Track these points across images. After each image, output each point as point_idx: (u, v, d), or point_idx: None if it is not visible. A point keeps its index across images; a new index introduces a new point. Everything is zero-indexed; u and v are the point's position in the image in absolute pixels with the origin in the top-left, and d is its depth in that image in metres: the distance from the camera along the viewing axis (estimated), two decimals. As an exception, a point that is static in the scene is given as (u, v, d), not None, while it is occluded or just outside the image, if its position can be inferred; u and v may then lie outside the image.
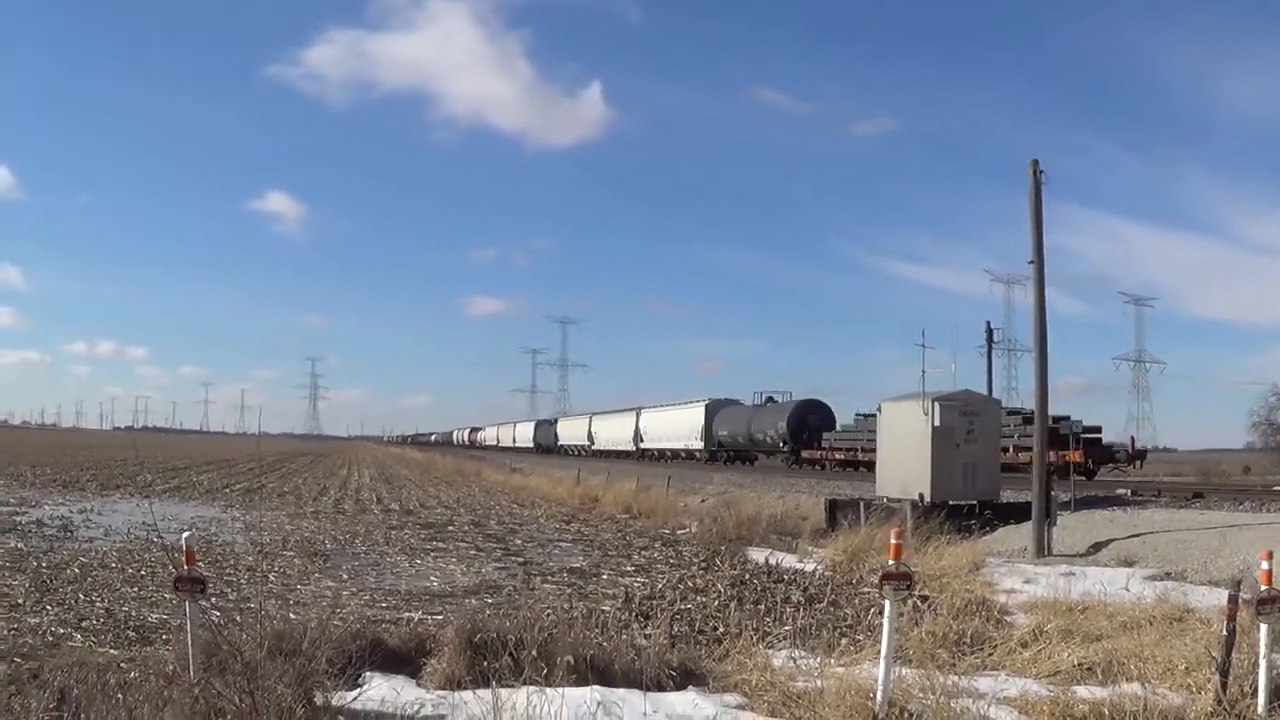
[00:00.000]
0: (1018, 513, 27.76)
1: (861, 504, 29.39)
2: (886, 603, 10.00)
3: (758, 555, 23.38)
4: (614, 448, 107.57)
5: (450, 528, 31.44)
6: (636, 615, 15.84)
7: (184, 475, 58.56)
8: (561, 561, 23.87)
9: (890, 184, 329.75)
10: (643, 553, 25.51)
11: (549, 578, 20.98)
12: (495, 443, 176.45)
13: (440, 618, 15.02)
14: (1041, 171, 25.31)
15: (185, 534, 10.47)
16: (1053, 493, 25.56)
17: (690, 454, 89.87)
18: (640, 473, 54.04)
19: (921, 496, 28.56)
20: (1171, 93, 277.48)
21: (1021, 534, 25.53)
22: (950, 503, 28.10)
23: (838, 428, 70.70)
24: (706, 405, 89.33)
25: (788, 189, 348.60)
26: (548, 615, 13.40)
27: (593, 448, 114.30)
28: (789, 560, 22.50)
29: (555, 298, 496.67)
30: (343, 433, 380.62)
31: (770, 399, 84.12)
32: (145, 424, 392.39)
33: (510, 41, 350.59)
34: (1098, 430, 50.98)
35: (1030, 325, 26.33)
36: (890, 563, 10.10)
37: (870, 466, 53.65)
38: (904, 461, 30.16)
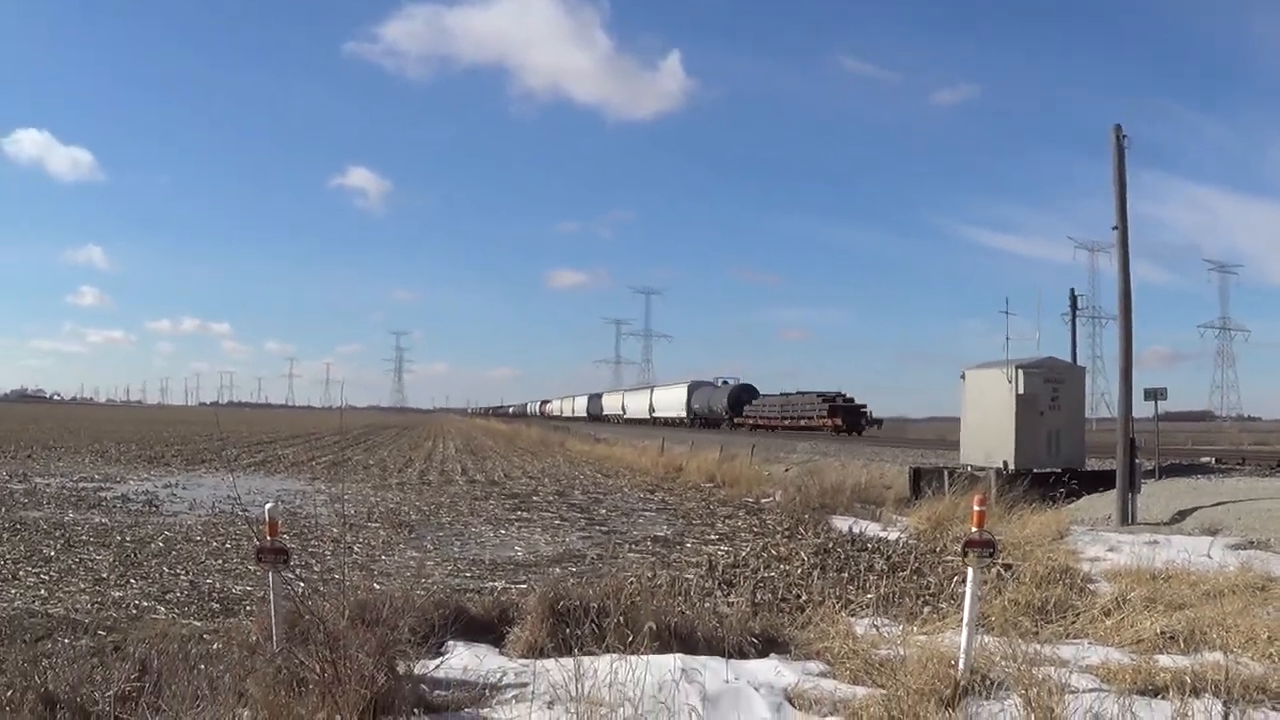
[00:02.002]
0: (1102, 481, 27.41)
1: (945, 472, 29.17)
2: (970, 570, 9.94)
3: (841, 524, 23.34)
4: (636, 416, 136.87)
5: (535, 498, 31.63)
6: (720, 583, 15.85)
7: (269, 449, 59.21)
8: (645, 530, 23.97)
9: (974, 152, 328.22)
10: (726, 521, 25.55)
11: (633, 546, 21.11)
12: (559, 413, 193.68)
13: (524, 587, 15.07)
14: (1125, 137, 24.96)
15: (268, 506, 10.53)
16: (1137, 461, 25.25)
17: (680, 420, 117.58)
18: (723, 441, 53.96)
19: (1005, 464, 28.35)
20: (1257, 59, 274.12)
21: (1106, 502, 25.25)
22: (1034, 471, 27.85)
23: (754, 402, 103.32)
24: (688, 386, 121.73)
25: (870, 158, 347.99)
26: (631, 583, 13.39)
27: (624, 416, 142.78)
28: (872, 528, 22.44)
29: (638, 269, 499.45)
30: (426, 405, 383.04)
31: (725, 382, 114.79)
32: (230, 399, 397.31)
33: (588, 13, 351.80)
34: (856, 402, 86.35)
35: (1114, 293, 26.04)
36: (973, 530, 10.02)
37: (769, 429, 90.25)
38: (988, 429, 29.93)
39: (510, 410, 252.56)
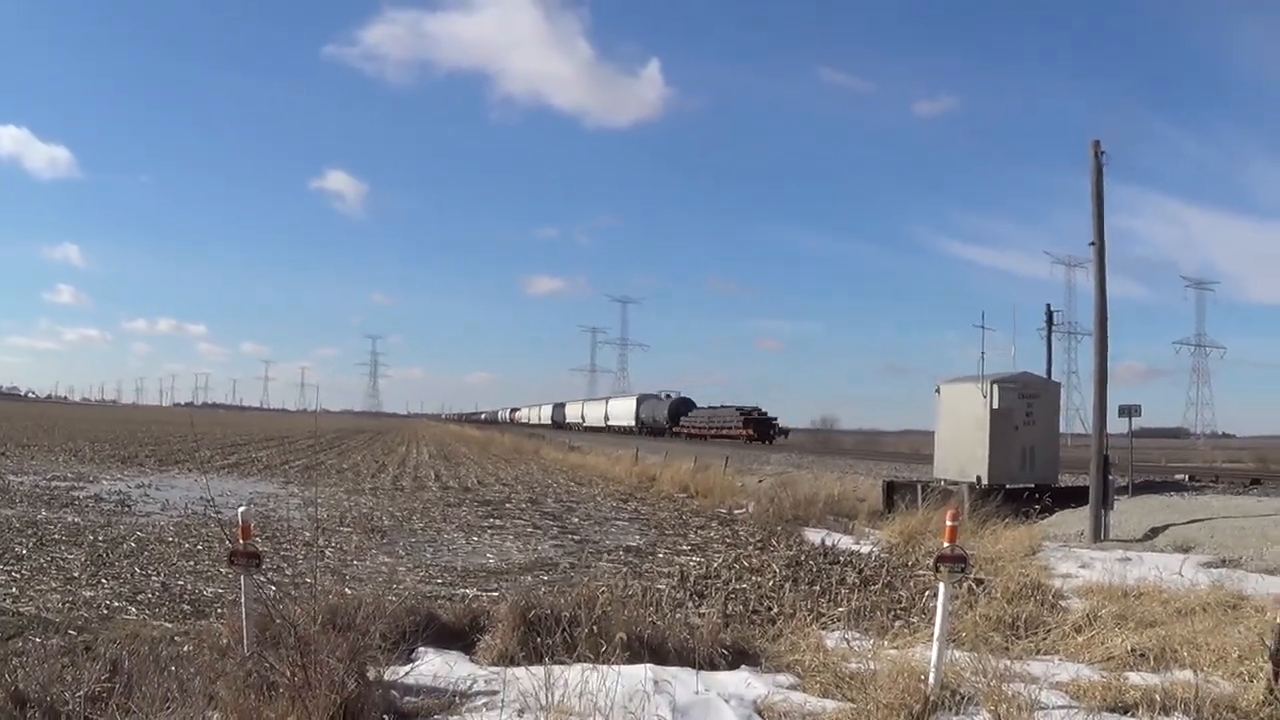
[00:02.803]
0: (1075, 497, 27.49)
1: (919, 486, 29.34)
2: (941, 585, 9.96)
3: (814, 536, 23.39)
4: (594, 424, 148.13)
5: (507, 505, 31.60)
6: (691, 594, 15.88)
7: (243, 451, 58.99)
8: (618, 540, 23.98)
9: (952, 164, 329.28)
10: (699, 532, 25.58)
11: (605, 556, 21.11)
12: (527, 420, 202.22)
13: (495, 594, 15.12)
14: (1103, 153, 25.01)
15: (241, 509, 10.53)
16: (1111, 478, 25.33)
17: (629, 429, 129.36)
18: (697, 452, 54.09)
19: (979, 479, 28.48)
20: (1234, 76, 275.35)
21: (1079, 518, 25.30)
22: (1007, 486, 27.98)
23: (689, 414, 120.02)
24: (637, 398, 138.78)
25: (849, 169, 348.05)
26: (602, 593, 13.40)
27: (584, 424, 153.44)
28: (845, 541, 22.51)
29: (616, 277, 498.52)
30: (401, 410, 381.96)
31: (668, 395, 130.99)
32: (205, 400, 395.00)
33: (569, 20, 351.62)
34: (768, 416, 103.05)
35: (1090, 308, 26.12)
36: (945, 545, 10.05)
37: (700, 437, 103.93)
38: (962, 444, 30.07)
39: (483, 416, 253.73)
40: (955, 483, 28.93)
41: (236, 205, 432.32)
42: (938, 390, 32.17)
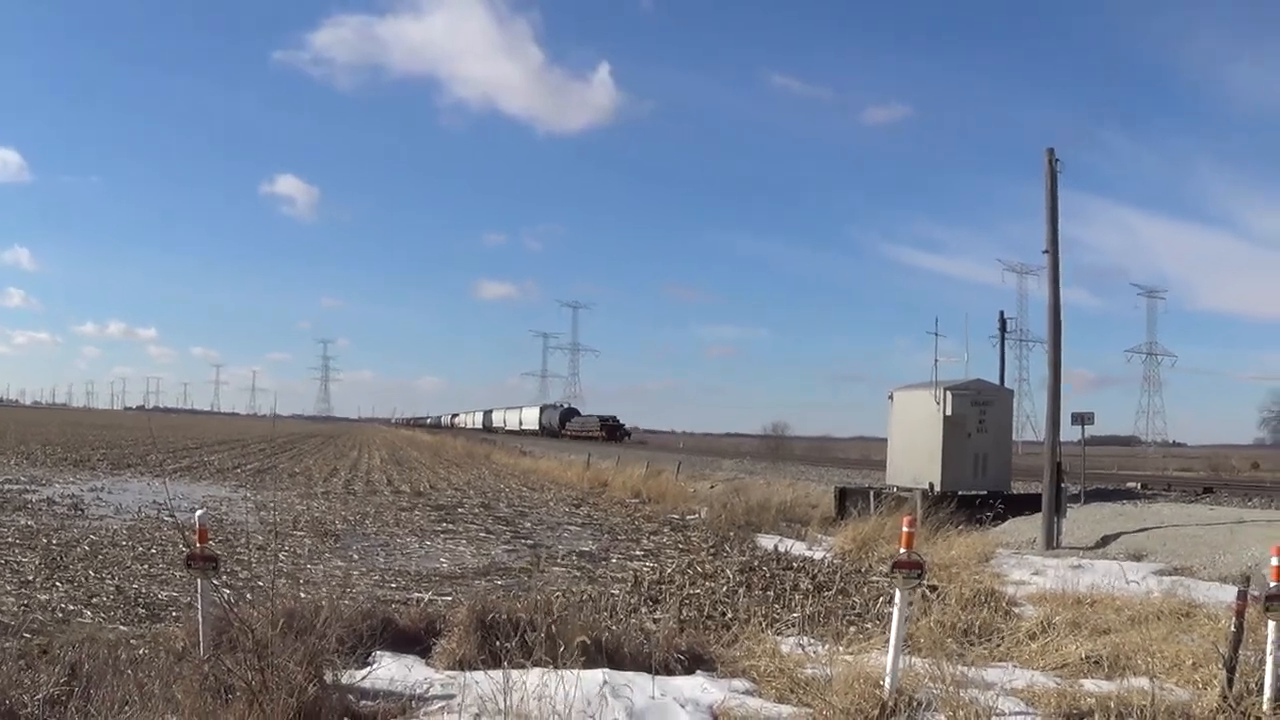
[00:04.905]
0: (1028, 504, 27.57)
1: (871, 493, 29.44)
2: (897, 591, 10.03)
3: (767, 542, 23.50)
4: (512, 429, 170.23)
5: (460, 510, 31.57)
6: (645, 599, 15.91)
7: (195, 455, 58.76)
8: (571, 545, 23.97)
9: (904, 171, 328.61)
10: (652, 538, 25.62)
11: (558, 561, 21.12)
12: (465, 425, 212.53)
13: (450, 599, 15.15)
14: (1058, 161, 25.08)
15: (199, 512, 10.51)
16: (1063, 485, 25.45)
17: (534, 431, 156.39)
18: (650, 458, 54.14)
19: (932, 486, 28.55)
20: (1183, 84, 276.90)
21: (1031, 526, 25.42)
22: (960, 493, 28.09)
23: (573, 420, 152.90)
24: (540, 407, 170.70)
25: (800, 175, 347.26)
26: (557, 598, 13.44)
27: (505, 428, 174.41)
28: (798, 548, 22.59)
29: (566, 282, 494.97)
30: (353, 414, 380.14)
31: (561, 405, 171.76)
32: (157, 404, 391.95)
33: (519, 25, 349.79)
34: (618, 420, 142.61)
35: (1043, 316, 26.22)
36: (901, 551, 10.10)
37: (576, 438, 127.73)
38: (915, 450, 30.17)
39: (428, 421, 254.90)
40: (908, 489, 28.96)
41: (187, 209, 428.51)
42: (891, 397, 32.26)
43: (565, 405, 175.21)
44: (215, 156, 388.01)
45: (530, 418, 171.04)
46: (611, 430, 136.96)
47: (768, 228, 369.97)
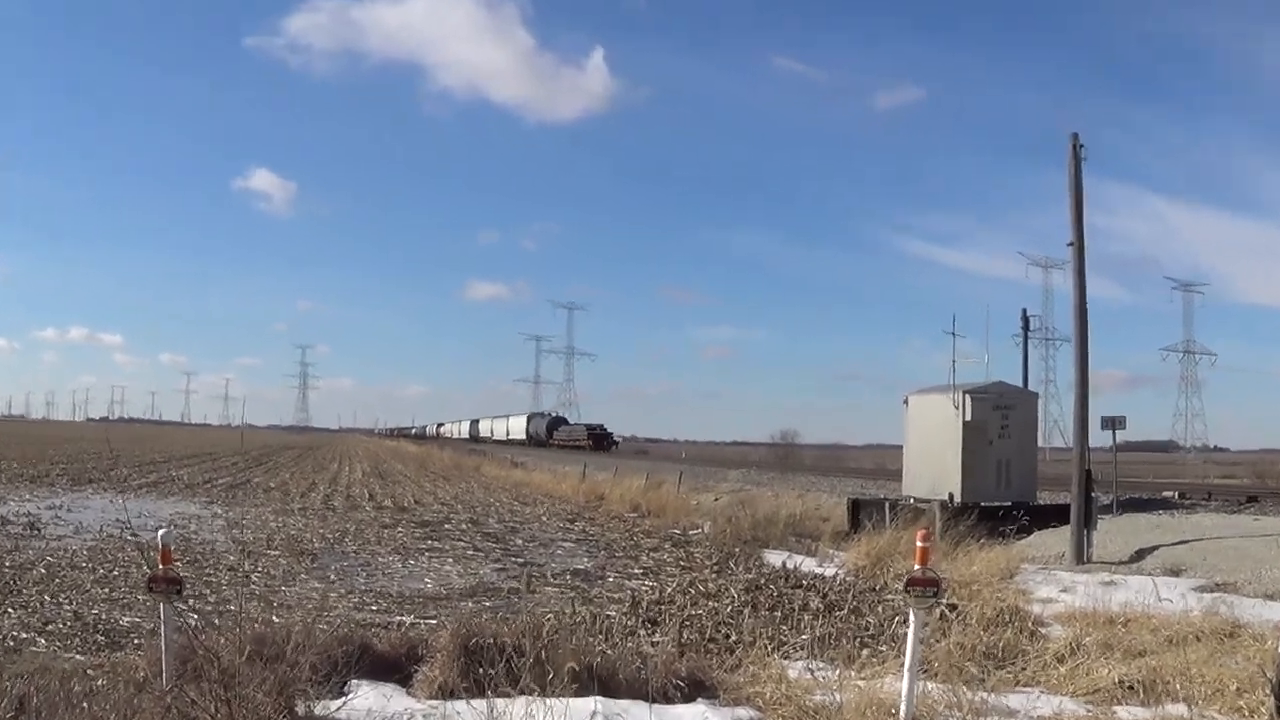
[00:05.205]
0: (1055, 516, 27.50)
1: (886, 504, 29.25)
2: (912, 611, 9.95)
3: (774, 558, 23.41)
4: (499, 438, 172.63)
5: (446, 526, 31.61)
6: (643, 621, 15.84)
7: (162, 470, 58.79)
8: (564, 563, 24.02)
9: (917, 160, 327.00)
10: (651, 554, 25.65)
11: (551, 580, 21.14)
12: (451, 435, 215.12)
13: (434, 622, 15.09)
14: (1082, 146, 24.94)
15: (161, 531, 10.45)
16: (1093, 495, 25.30)
17: (522, 441, 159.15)
18: (650, 468, 54.14)
19: (951, 497, 28.46)
20: (1218, 62, 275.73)
21: (1059, 539, 25.29)
22: (982, 504, 27.92)
23: (560, 429, 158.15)
24: (527, 416, 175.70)
25: (803, 165, 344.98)
26: (548, 620, 13.39)
27: (493, 438, 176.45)
28: (808, 564, 22.52)
29: (561, 283, 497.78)
30: (333, 424, 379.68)
31: (549, 414, 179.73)
32: (121, 415, 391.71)
33: (507, 8, 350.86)
34: (605, 429, 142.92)
35: (1069, 312, 26.03)
36: (916, 567, 10.03)
37: (563, 448, 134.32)
38: (932, 459, 30.08)
39: (413, 431, 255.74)
40: (926, 501, 28.88)
41: (155, 206, 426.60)
42: (906, 401, 32.19)
43: (553, 414, 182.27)
44: (184, 150, 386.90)
45: (517, 427, 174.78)
46: (598, 439, 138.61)
47: (767, 222, 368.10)
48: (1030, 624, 15.61)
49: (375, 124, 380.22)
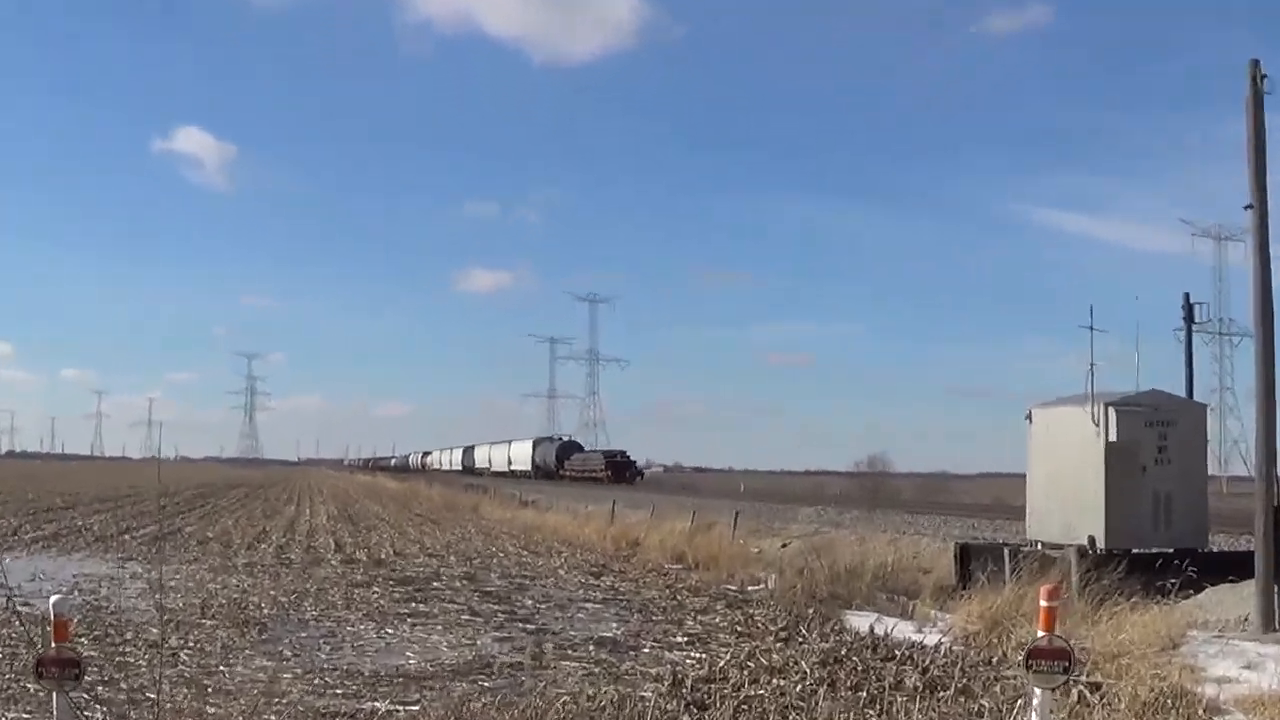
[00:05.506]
0: (1234, 567, 26.98)
1: (1005, 551, 29.06)
2: (1035, 690, 9.81)
3: (859, 621, 23.38)
4: (499, 469, 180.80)
5: (436, 584, 31.67)
6: (688, 705, 15.74)
7: (64, 518, 58.74)
8: (586, 629, 24.02)
9: (1041, 102, 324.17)
10: (699, 617, 25.55)
11: (569, 652, 21.05)
12: (439, 466, 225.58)
13: (416, 708, 14.98)
14: (1264, 77, 24.50)
15: (54, 599, 10.34)
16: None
17: (527, 473, 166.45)
18: (698, 506, 54.10)
19: (1091, 541, 28.18)
20: None
21: (1239, 597, 24.95)
22: (1133, 551, 27.65)
23: (573, 457, 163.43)
24: (533, 441, 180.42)
25: (890, 114, 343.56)
26: (564, 704, 13.28)
27: (491, 469, 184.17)
28: (903, 628, 22.42)
29: (577, 267, 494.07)
30: (290, 455, 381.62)
31: (560, 438, 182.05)
32: (11, 448, 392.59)
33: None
34: (628, 457, 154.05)
35: (1249, 298, 25.48)
36: (1040, 634, 9.87)
37: (576, 480, 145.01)
38: (1065, 492, 29.78)
39: (393, 462, 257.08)
40: (1058, 546, 28.64)
41: (54, 180, 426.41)
42: (1029, 417, 31.92)
43: (564, 438, 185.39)
44: (92, 106, 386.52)
45: (521, 455, 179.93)
46: (618, 468, 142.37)
47: (847, 188, 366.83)
48: (1202, 711, 15.42)
49: (337, 67, 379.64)
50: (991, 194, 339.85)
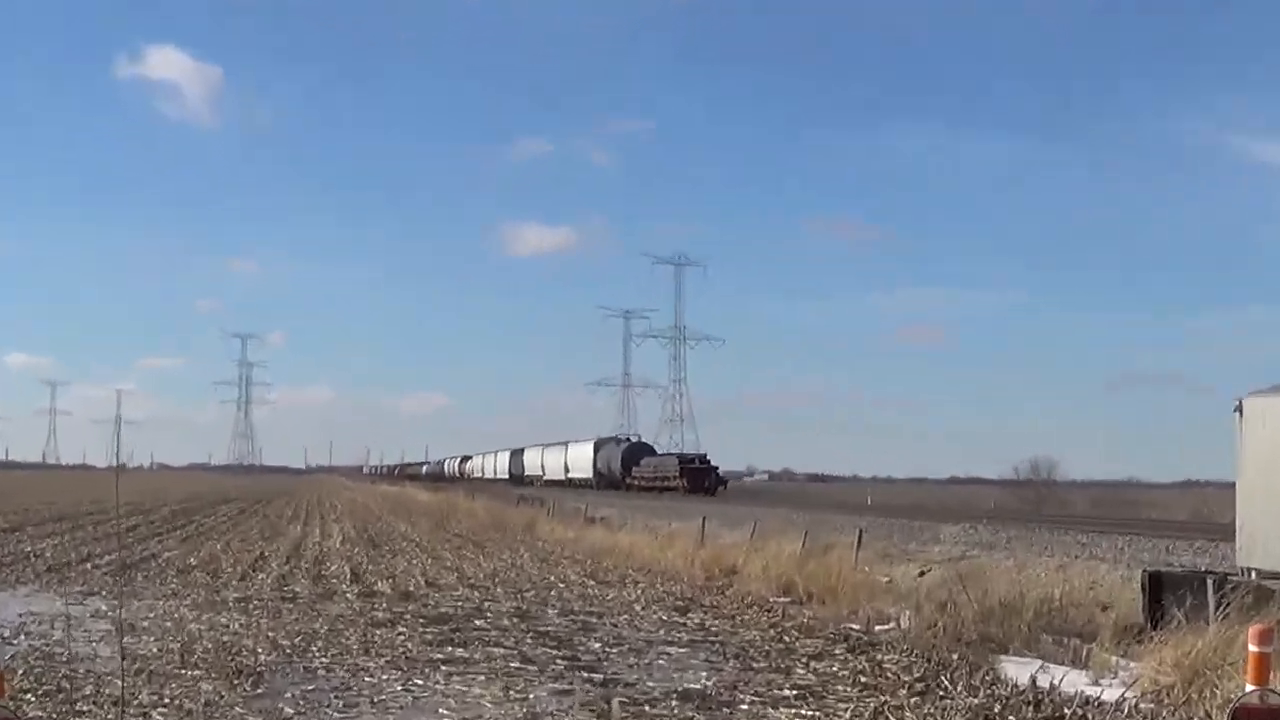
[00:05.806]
0: None
1: (1209, 581, 28.73)
2: (1247, 764, 9.79)
3: (1017, 670, 23.38)
4: (553, 477, 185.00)
5: (478, 622, 31.78)
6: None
7: (9, 542, 59.11)
8: (668, 680, 24.02)
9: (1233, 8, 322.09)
10: (812, 664, 25.57)
11: (646, 709, 21.10)
12: (481, 473, 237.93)
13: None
14: None
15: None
16: None
17: (587, 482, 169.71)
18: (810, 523, 54.09)
19: (1325, 569, 28.00)
20: None
21: None
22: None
23: (641, 462, 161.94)
24: (594, 443, 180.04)
25: (1045, 30, 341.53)
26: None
27: (544, 477, 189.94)
28: (1075, 679, 22.43)
29: (659, 221, 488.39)
30: (296, 461, 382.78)
31: (627, 439, 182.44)
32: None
33: None
34: (708, 462, 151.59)
35: None
36: (1250, 688, 9.86)
37: (644, 490, 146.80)
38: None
39: (424, 469, 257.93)
40: (1277, 575, 28.42)
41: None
42: (1239, 409, 31.53)
43: (631, 438, 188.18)
44: (44, 26, 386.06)
45: (581, 460, 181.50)
46: (696, 475, 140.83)
47: (989, 119, 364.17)
48: None
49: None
50: (1176, 119, 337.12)
